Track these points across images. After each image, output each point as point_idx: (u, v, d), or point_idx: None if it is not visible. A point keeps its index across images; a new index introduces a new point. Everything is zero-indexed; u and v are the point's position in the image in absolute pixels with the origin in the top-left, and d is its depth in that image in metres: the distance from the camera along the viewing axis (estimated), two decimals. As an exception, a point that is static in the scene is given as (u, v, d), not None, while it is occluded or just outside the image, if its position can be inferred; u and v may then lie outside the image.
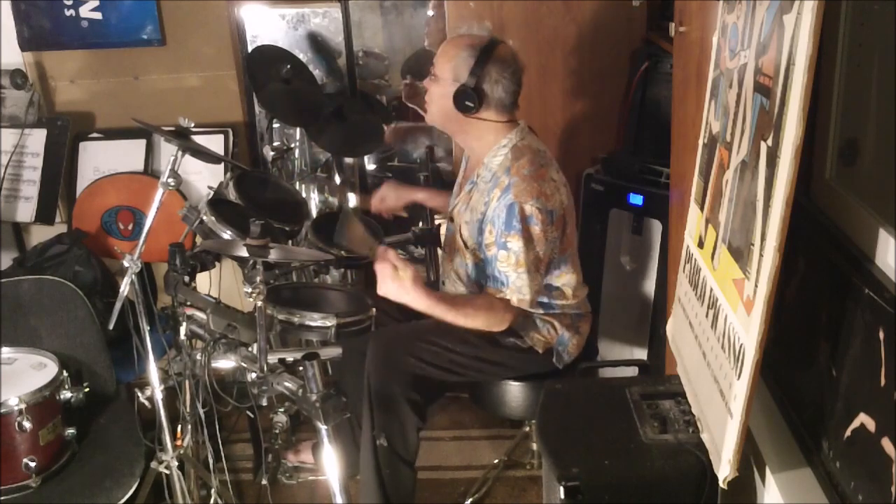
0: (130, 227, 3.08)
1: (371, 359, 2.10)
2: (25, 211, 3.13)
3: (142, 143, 3.16)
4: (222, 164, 2.89)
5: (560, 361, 2.22)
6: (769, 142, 1.19)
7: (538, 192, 2.04)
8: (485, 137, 2.16)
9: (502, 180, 2.08)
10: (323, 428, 1.89)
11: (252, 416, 2.33)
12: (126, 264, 2.01)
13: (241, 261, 2.17)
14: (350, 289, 2.55)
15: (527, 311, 2.15)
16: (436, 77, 2.15)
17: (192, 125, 2.13)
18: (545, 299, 2.19)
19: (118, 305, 2.06)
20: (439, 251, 2.96)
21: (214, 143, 3.11)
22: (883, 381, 1.10)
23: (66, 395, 2.14)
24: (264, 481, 2.46)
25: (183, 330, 2.07)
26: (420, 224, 2.77)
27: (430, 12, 3.62)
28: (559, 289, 2.20)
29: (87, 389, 2.19)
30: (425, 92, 2.21)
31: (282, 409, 2.49)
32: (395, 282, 1.96)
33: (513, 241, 2.03)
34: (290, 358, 1.99)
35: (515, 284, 2.06)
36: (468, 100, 2.09)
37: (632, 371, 2.07)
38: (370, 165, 3.81)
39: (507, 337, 2.17)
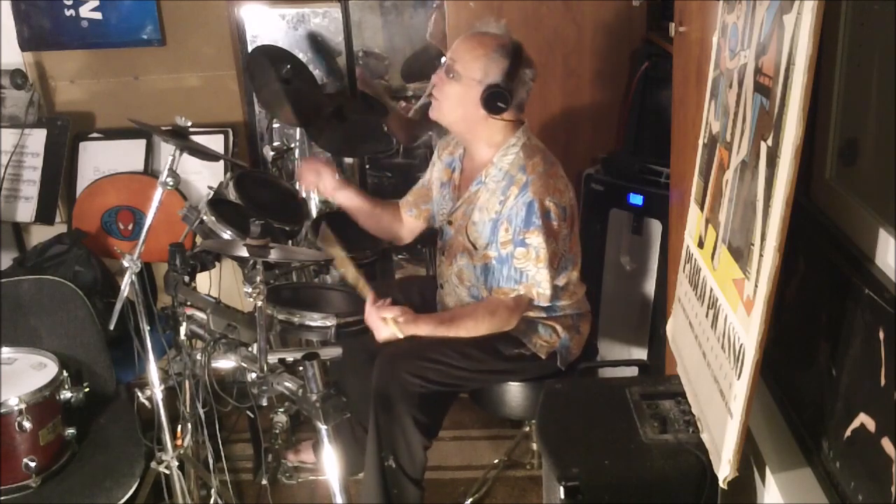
0: (130, 227, 3.08)
1: (377, 381, 2.10)
2: (25, 211, 3.13)
3: (142, 143, 3.16)
4: (222, 164, 2.90)
5: (563, 363, 2.22)
6: (769, 142, 1.19)
7: (554, 188, 2.06)
8: (495, 138, 2.16)
9: (518, 178, 2.08)
10: (323, 428, 1.88)
11: (252, 416, 2.33)
12: (126, 264, 2.01)
13: (241, 261, 2.17)
14: (350, 289, 2.54)
15: (537, 311, 2.15)
16: (458, 74, 2.10)
17: (190, 124, 2.12)
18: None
19: (118, 305, 2.06)
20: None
21: (214, 143, 3.11)
22: (883, 381, 1.10)
23: (66, 395, 2.14)
24: (264, 481, 2.45)
25: (183, 330, 2.07)
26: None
27: (434, 6, 3.61)
28: (564, 288, 2.20)
29: (87, 389, 2.19)
30: (433, 86, 2.17)
31: (282, 409, 2.49)
32: (388, 329, 2.02)
33: (533, 237, 2.04)
34: (290, 358, 1.99)
35: (535, 279, 2.07)
36: (500, 100, 2.07)
37: (632, 371, 2.07)
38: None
39: (512, 347, 2.17)
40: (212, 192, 2.38)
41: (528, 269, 2.07)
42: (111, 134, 3.21)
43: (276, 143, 2.97)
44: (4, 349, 2.26)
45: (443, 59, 2.34)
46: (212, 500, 2.21)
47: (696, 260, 1.61)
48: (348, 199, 2.43)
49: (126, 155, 3.16)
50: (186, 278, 2.09)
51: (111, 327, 2.15)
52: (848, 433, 1.22)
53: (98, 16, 3.13)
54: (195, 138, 2.28)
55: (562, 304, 2.21)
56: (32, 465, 2.02)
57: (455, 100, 2.12)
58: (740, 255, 1.30)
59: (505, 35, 2.13)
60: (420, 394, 2.09)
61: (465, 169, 2.29)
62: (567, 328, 2.22)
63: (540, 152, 2.14)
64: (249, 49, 3.26)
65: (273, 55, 2.87)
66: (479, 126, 2.15)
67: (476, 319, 2.10)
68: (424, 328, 2.05)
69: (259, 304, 1.83)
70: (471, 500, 2.58)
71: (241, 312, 2.05)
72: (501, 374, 2.21)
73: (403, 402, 2.08)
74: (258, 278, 1.81)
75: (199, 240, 2.32)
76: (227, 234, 2.15)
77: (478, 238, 2.17)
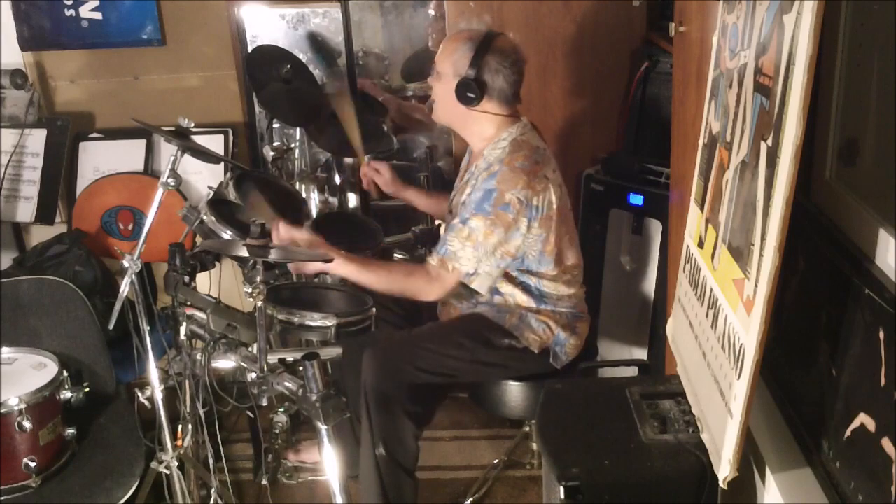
0: (130, 227, 3.08)
1: (367, 371, 2.10)
2: (25, 211, 3.12)
3: (142, 143, 3.16)
4: (222, 164, 2.89)
5: (557, 362, 2.23)
6: (769, 142, 1.19)
7: (525, 183, 2.07)
8: (487, 131, 2.18)
9: (493, 168, 2.12)
10: (323, 428, 1.89)
11: (252, 416, 2.34)
12: (126, 264, 2.02)
13: (241, 261, 2.17)
14: (350, 289, 2.54)
15: (527, 302, 2.17)
16: (438, 74, 2.18)
17: (192, 125, 2.13)
18: (536, 291, 2.19)
19: (118, 305, 2.06)
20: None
21: (214, 143, 3.11)
22: (883, 381, 1.10)
23: (66, 395, 2.14)
24: (264, 481, 2.46)
25: (183, 330, 2.07)
26: (420, 224, 2.78)
27: (432, 12, 3.62)
28: (555, 280, 2.21)
29: (87, 389, 2.19)
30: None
31: (282, 409, 2.50)
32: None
33: (475, 220, 2.07)
34: (290, 358, 1.99)
35: (458, 255, 2.09)
36: (469, 91, 2.11)
37: (632, 371, 2.07)
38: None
39: (503, 338, 2.18)
40: (212, 192, 2.38)
41: (452, 244, 2.09)
42: (111, 134, 3.21)
43: (276, 143, 2.97)
44: (4, 349, 2.26)
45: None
46: (212, 500, 2.21)
47: (696, 260, 1.61)
48: (409, 194, 2.60)
49: (126, 155, 3.16)
50: (186, 278, 2.09)
51: (111, 327, 2.15)
52: (848, 433, 1.22)
53: (98, 16, 3.13)
54: (195, 138, 2.28)
55: (555, 293, 2.21)
56: (32, 465, 2.02)
57: (441, 98, 2.20)
58: (740, 255, 1.30)
59: (481, 28, 2.17)
60: (411, 383, 2.10)
61: (469, 162, 2.33)
62: (562, 326, 2.22)
63: (528, 149, 2.13)
64: (249, 49, 3.26)
65: (273, 55, 2.87)
66: (466, 121, 2.19)
67: (391, 273, 2.14)
68: (334, 256, 2.02)
69: (259, 304, 1.83)
70: (471, 500, 2.58)
71: (241, 312, 2.05)
72: (494, 366, 2.21)
73: (393, 392, 2.08)
74: (258, 278, 1.81)
75: (199, 240, 2.32)
76: (227, 234, 2.15)
77: None
